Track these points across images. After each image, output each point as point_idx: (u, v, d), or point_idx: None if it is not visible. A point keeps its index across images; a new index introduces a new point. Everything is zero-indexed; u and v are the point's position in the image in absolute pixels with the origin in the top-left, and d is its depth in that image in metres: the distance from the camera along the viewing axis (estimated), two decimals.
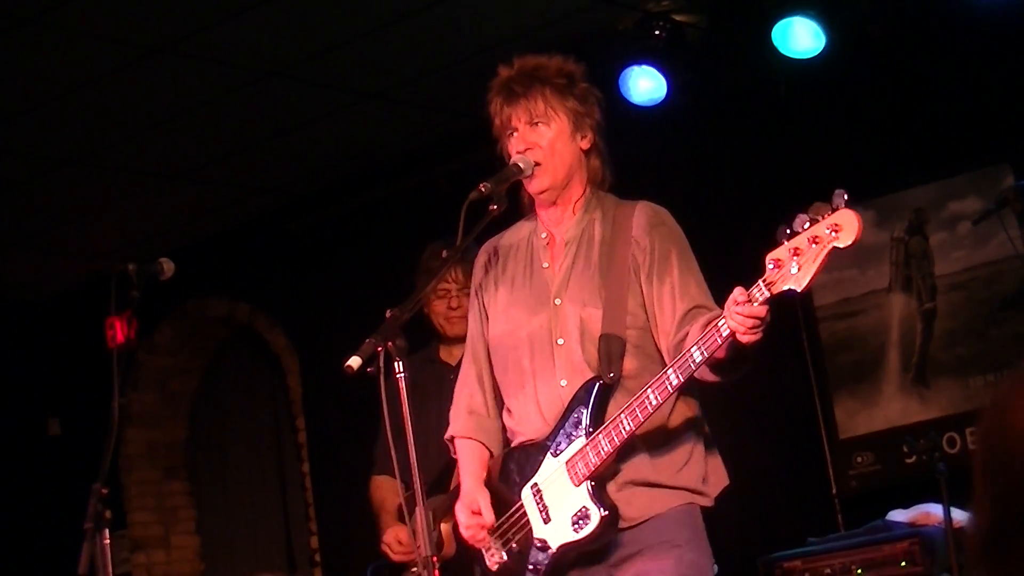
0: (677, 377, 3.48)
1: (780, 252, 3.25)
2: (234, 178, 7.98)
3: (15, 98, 6.61)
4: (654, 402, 3.51)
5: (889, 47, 6.35)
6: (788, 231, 3.25)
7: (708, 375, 3.55)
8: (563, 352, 3.74)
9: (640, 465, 3.68)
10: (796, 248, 3.22)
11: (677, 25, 6.50)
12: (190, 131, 7.23)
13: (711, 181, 6.85)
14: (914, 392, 6.45)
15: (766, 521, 6.35)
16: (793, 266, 3.22)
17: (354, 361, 3.31)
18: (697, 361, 3.43)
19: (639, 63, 6.57)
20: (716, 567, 3.81)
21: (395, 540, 5.13)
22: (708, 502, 3.76)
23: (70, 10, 5.82)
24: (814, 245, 3.20)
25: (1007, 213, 5.87)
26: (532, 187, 3.80)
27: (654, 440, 3.70)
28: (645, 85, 6.61)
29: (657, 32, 6.46)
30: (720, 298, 3.50)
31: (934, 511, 5.48)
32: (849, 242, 3.18)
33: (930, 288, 6.46)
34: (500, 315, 3.89)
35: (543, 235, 3.89)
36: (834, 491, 6.53)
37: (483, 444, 3.93)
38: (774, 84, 6.65)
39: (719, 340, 3.37)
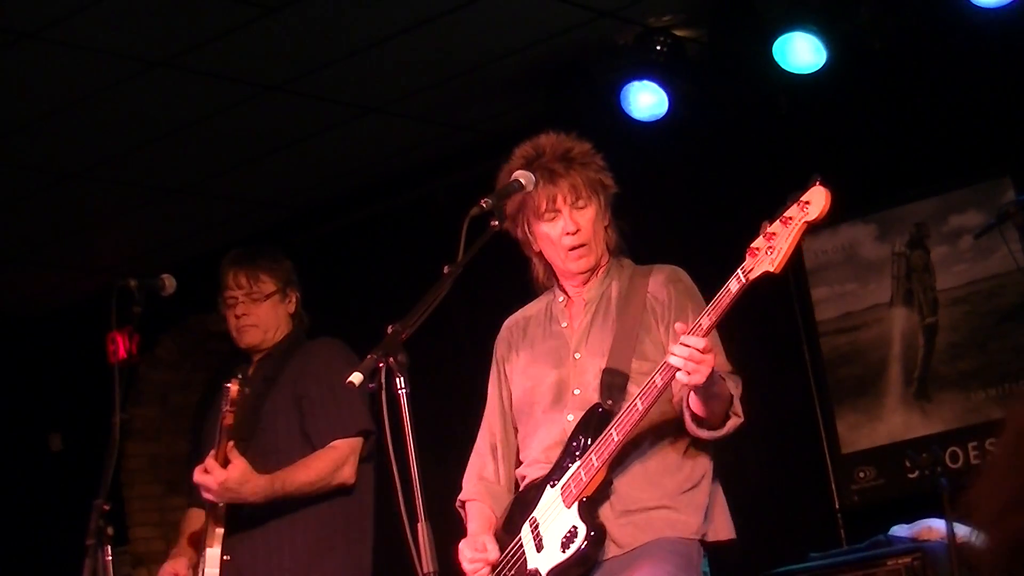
0: (643, 403, 3.53)
1: (759, 241, 3.38)
2: (234, 192, 7.99)
3: (16, 112, 6.61)
4: (640, 408, 3.54)
5: (889, 61, 6.36)
6: (767, 222, 3.38)
7: (695, 430, 3.62)
8: (577, 400, 3.79)
9: (639, 494, 3.70)
10: (771, 233, 3.35)
11: (678, 40, 6.51)
12: (190, 145, 7.24)
13: (712, 195, 6.86)
14: (916, 406, 6.44)
15: (768, 536, 6.33)
16: (769, 249, 3.35)
17: (355, 377, 3.30)
18: (658, 386, 3.51)
19: (640, 78, 6.57)
20: None
21: (171, 572, 4.90)
22: (702, 533, 3.74)
23: (71, 25, 5.83)
24: (787, 225, 3.33)
25: (1008, 227, 5.87)
26: (577, 266, 3.85)
27: (657, 468, 3.72)
28: (646, 100, 6.61)
29: (658, 47, 6.47)
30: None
31: (937, 526, 5.47)
32: (817, 214, 3.31)
33: (932, 302, 6.46)
34: (521, 375, 3.96)
35: (560, 299, 3.95)
36: (836, 506, 6.52)
37: (489, 507, 3.97)
38: (775, 98, 6.65)
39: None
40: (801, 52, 6.26)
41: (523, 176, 3.77)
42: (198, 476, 4.59)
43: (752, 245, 3.37)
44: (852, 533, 6.31)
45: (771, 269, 3.33)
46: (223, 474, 4.55)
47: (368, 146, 7.59)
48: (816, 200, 3.32)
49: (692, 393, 3.50)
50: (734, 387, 3.62)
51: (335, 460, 4.76)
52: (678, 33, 6.52)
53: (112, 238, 8.29)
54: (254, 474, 4.61)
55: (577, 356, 3.83)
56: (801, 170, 6.53)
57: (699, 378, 3.40)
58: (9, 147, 6.94)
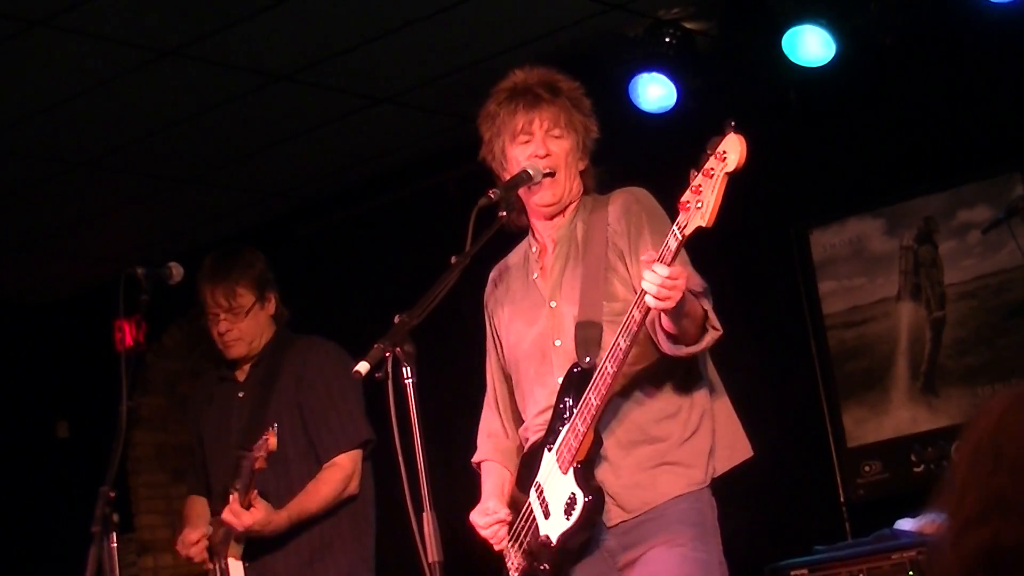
0: (625, 341, 3.51)
1: (686, 195, 3.36)
2: (244, 182, 7.99)
3: (24, 100, 6.61)
4: (611, 371, 3.53)
5: (899, 55, 6.35)
6: (694, 171, 3.36)
7: (671, 348, 3.57)
8: (561, 352, 3.78)
9: (639, 453, 3.69)
10: (697, 187, 3.34)
11: (687, 32, 6.51)
12: (200, 135, 7.24)
13: None
14: (923, 401, 6.44)
15: (773, 528, 6.34)
16: (697, 203, 3.33)
17: (362, 366, 3.31)
18: (637, 319, 3.47)
19: (649, 70, 6.57)
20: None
21: (187, 542, 5.01)
22: (709, 478, 3.73)
23: (81, 13, 5.83)
24: (710, 178, 3.33)
25: (1017, 222, 5.89)
26: (541, 198, 3.82)
27: (651, 419, 3.71)
28: (655, 92, 6.61)
29: (667, 39, 6.46)
30: (718, 294, 3.56)
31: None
32: (735, 165, 3.33)
33: (939, 297, 6.45)
34: (506, 331, 3.97)
35: (534, 249, 3.94)
36: (842, 499, 6.52)
37: (500, 463, 4.00)
38: (784, 92, 6.64)
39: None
40: (811, 46, 6.25)
41: (531, 168, 3.78)
42: (226, 516, 4.78)
43: (682, 199, 3.36)
44: (857, 526, 6.30)
45: (703, 224, 3.33)
46: (249, 518, 4.75)
47: (378, 136, 7.60)
48: (732, 148, 3.35)
49: (662, 314, 3.48)
50: (707, 304, 3.59)
51: (342, 480, 4.96)
52: (688, 26, 6.51)
53: (120, 227, 8.30)
54: (274, 514, 4.81)
55: (553, 304, 3.82)
56: (810, 163, 6.56)
57: (670, 303, 3.37)
58: (18, 135, 6.94)
